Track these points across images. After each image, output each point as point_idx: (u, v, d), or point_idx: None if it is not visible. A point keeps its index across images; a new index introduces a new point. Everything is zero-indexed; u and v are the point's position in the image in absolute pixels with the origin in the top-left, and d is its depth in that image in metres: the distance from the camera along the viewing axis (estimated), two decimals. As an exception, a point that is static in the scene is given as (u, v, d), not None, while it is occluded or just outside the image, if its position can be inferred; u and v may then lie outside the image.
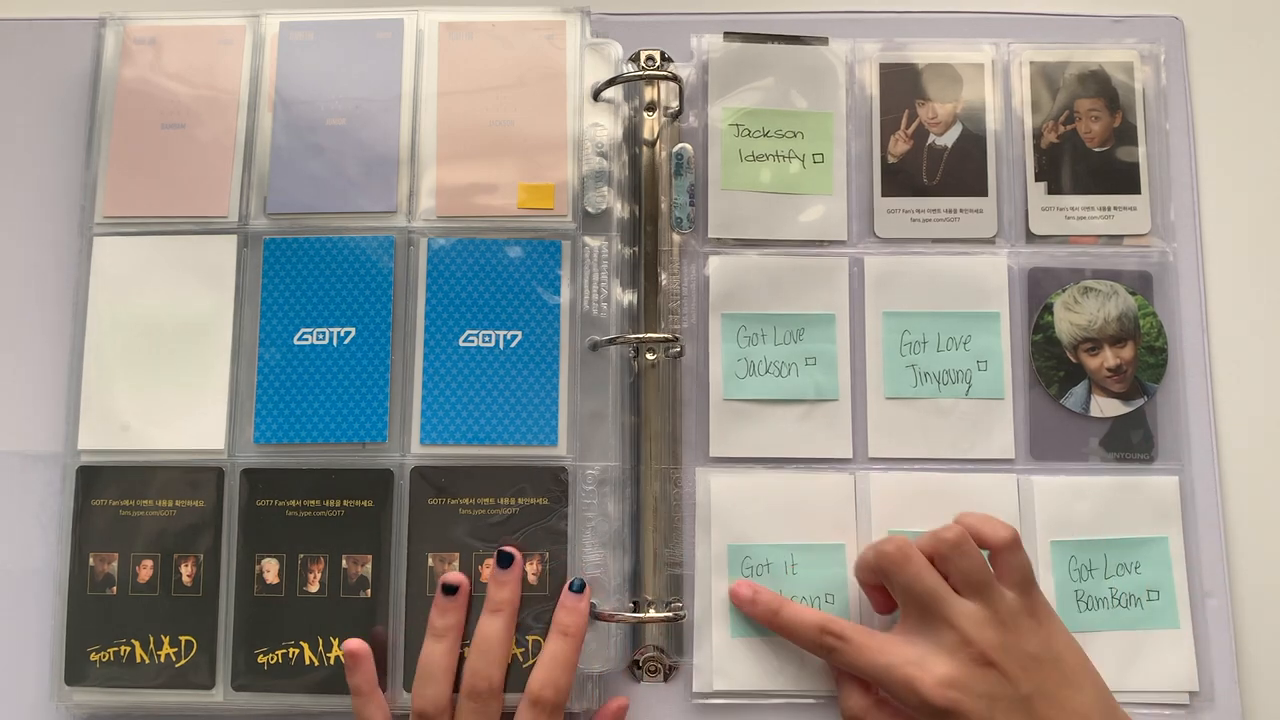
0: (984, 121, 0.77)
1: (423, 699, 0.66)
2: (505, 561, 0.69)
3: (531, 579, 0.70)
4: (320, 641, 0.70)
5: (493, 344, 0.73)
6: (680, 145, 0.75)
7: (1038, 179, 0.76)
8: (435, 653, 0.67)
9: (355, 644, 0.68)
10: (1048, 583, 0.71)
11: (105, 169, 0.75)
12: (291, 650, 0.70)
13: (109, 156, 0.75)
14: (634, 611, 0.71)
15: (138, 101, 0.76)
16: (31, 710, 0.71)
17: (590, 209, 0.74)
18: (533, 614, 0.70)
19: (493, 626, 0.68)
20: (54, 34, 0.79)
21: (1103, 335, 0.74)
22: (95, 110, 0.76)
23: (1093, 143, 0.76)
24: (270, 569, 0.71)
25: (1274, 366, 0.75)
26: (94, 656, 0.70)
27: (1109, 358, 0.74)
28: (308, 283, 0.73)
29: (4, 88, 0.78)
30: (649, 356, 0.73)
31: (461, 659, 0.68)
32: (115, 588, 0.71)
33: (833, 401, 0.74)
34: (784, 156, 0.76)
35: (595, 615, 0.70)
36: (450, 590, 0.68)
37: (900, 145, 0.77)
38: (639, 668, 0.71)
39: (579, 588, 0.69)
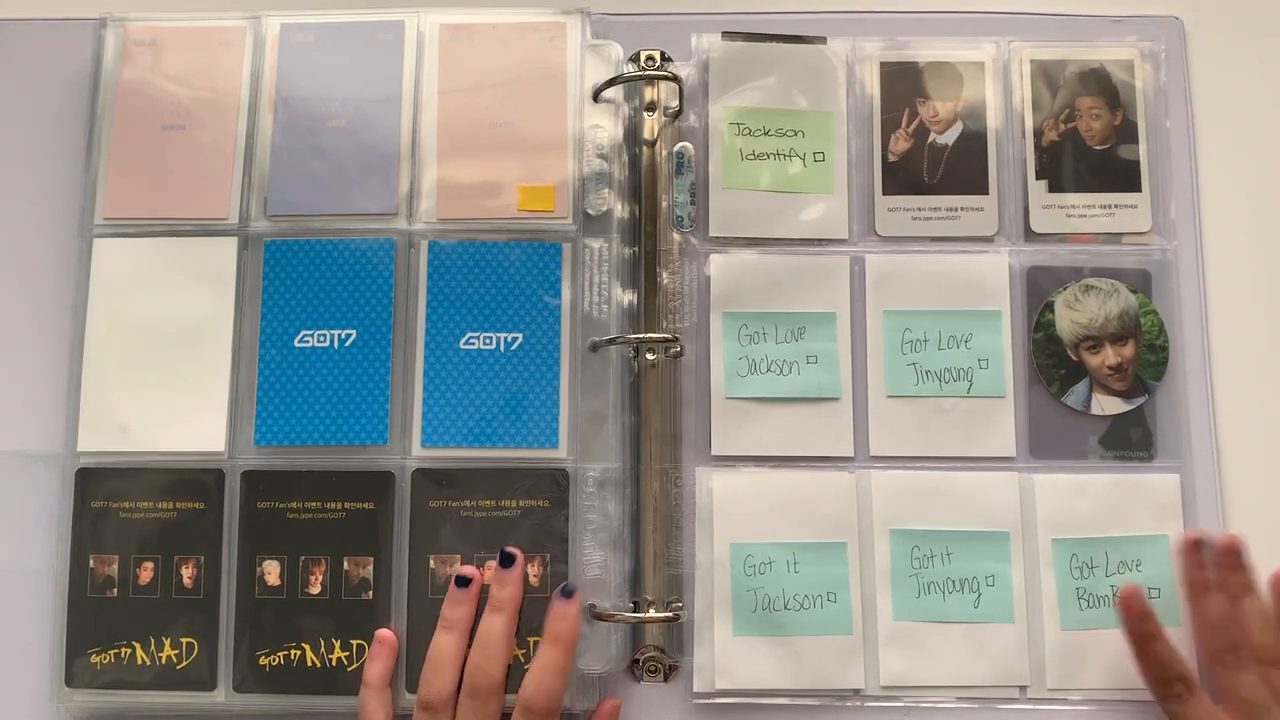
0: (984, 120, 0.77)
1: (429, 688, 0.67)
2: (507, 561, 0.69)
3: (533, 580, 0.70)
4: (322, 643, 0.70)
5: (493, 346, 0.72)
6: (681, 144, 0.75)
7: (1038, 177, 0.76)
8: (444, 644, 0.68)
9: (387, 633, 0.69)
10: (1048, 581, 0.71)
11: (105, 170, 0.75)
12: (293, 652, 0.70)
13: (109, 157, 0.75)
14: (634, 611, 0.71)
15: (138, 102, 0.76)
16: (31, 711, 0.71)
17: (591, 211, 0.74)
18: (534, 615, 0.70)
19: (494, 624, 0.68)
20: (54, 34, 0.78)
21: (1104, 333, 0.74)
22: (95, 111, 0.76)
23: (1093, 141, 0.76)
24: (271, 571, 0.71)
25: (1274, 364, 0.75)
26: (94, 658, 0.70)
27: (1110, 356, 0.74)
28: (308, 285, 0.73)
29: (4, 88, 0.78)
30: (649, 356, 0.73)
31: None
32: (116, 589, 0.71)
33: (834, 400, 0.74)
34: (785, 155, 0.76)
35: (595, 615, 0.70)
36: (463, 582, 0.69)
37: (901, 144, 0.77)
38: (639, 667, 0.71)
39: (569, 593, 0.69)
